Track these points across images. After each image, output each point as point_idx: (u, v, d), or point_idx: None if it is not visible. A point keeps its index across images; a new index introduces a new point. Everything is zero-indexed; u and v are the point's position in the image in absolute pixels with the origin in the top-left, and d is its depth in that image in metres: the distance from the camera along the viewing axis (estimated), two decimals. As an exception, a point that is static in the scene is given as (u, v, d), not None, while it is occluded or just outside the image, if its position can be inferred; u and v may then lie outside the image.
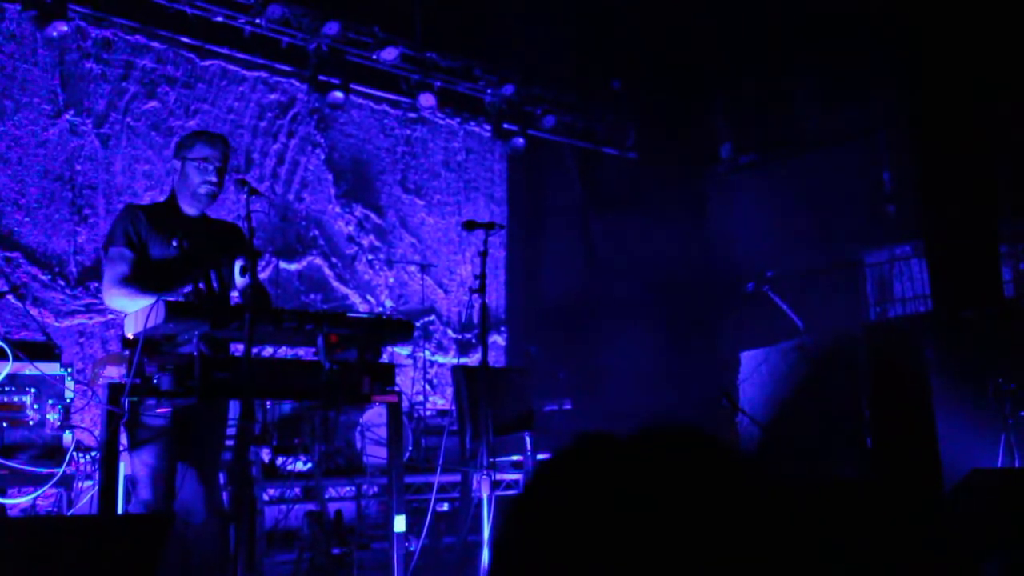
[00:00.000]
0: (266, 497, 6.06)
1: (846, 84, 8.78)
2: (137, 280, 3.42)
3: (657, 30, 9.23)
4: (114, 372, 3.16)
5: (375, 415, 6.51)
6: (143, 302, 3.14)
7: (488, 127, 9.45)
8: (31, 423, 3.49)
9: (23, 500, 3.46)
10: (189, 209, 3.71)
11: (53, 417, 3.57)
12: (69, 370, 3.66)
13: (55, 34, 6.83)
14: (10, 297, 6.23)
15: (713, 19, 9.20)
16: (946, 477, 5.20)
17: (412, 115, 9.18)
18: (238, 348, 3.42)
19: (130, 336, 3.18)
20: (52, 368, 3.58)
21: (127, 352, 3.14)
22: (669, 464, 0.81)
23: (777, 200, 9.15)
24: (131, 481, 3.37)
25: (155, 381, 3.09)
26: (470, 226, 4.22)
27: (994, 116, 7.55)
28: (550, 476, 0.83)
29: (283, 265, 8.07)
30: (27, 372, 3.48)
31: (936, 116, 8.07)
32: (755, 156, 10.03)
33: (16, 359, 3.31)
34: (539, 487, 0.83)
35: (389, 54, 8.38)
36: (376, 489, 6.97)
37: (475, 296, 4.04)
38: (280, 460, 6.35)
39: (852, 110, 8.72)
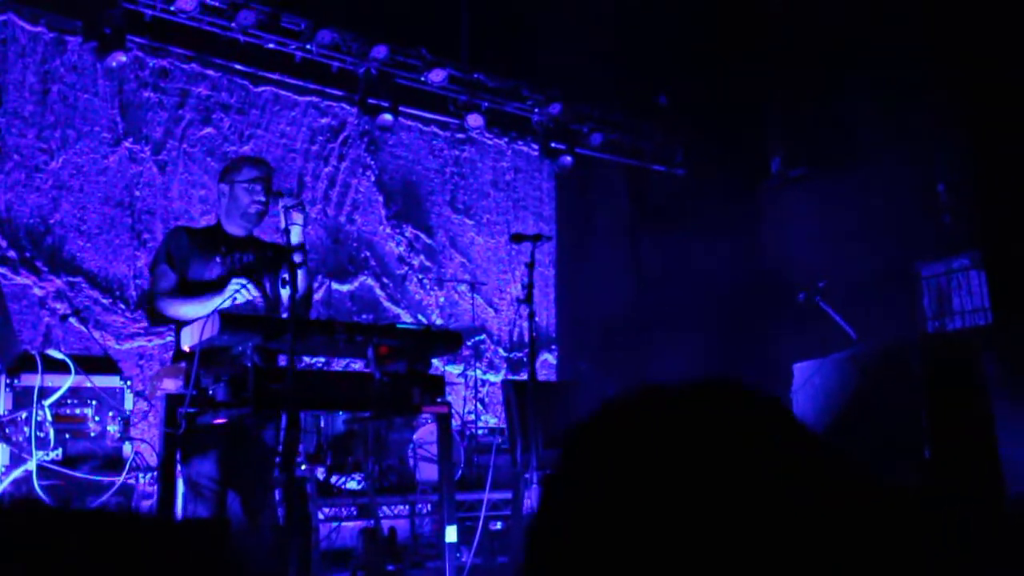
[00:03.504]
0: (321, 516, 6.12)
1: (898, 94, 8.68)
2: (179, 291, 3.56)
3: (703, 45, 9.23)
4: (171, 384, 3.24)
5: (427, 433, 6.55)
6: (187, 307, 3.27)
7: (536, 146, 9.51)
8: (92, 435, 3.60)
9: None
10: (236, 230, 3.82)
11: (113, 429, 3.67)
12: (128, 383, 3.76)
13: (114, 64, 7.05)
14: (73, 320, 6.41)
15: (760, 32, 9.17)
16: (1008, 489, 5.08)
17: (460, 136, 9.28)
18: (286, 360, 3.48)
19: (186, 348, 3.26)
20: (112, 381, 3.69)
21: (183, 364, 3.22)
22: (727, 421, 0.79)
23: (829, 213, 9.05)
24: (190, 489, 3.44)
25: (211, 392, 3.16)
26: (517, 239, 4.26)
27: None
28: (596, 429, 0.82)
29: (335, 286, 8.18)
30: (88, 385, 3.59)
31: (991, 125, 7.95)
32: (806, 169, 9.94)
33: (78, 372, 3.41)
34: (586, 436, 0.82)
35: (437, 76, 8.49)
36: (429, 508, 6.99)
37: (523, 306, 4.06)
38: (334, 478, 6.41)
39: (905, 120, 8.61)
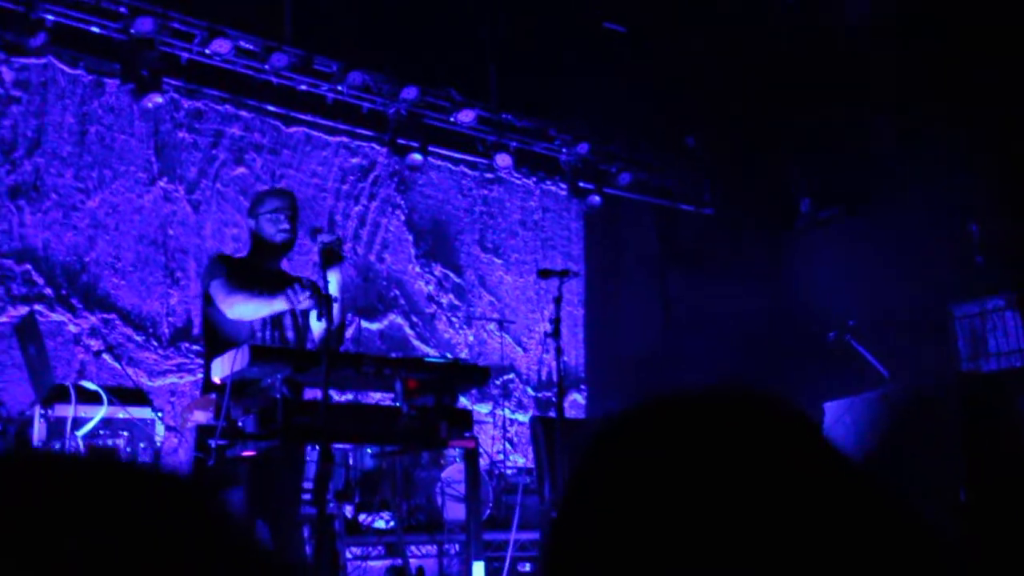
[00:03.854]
0: (349, 554, 6.09)
1: (929, 133, 8.65)
2: (243, 288, 3.62)
3: (731, 85, 9.27)
4: (201, 416, 3.27)
5: (455, 472, 6.52)
6: (247, 304, 3.35)
7: (564, 186, 9.56)
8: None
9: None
10: (268, 263, 3.87)
11: (145, 460, 3.70)
12: (160, 415, 3.79)
13: (150, 106, 7.19)
14: (106, 356, 6.49)
15: (788, 71, 9.20)
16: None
17: (489, 175, 9.35)
18: (314, 393, 3.50)
19: (216, 380, 3.28)
20: (144, 413, 3.72)
21: (213, 396, 3.24)
22: (749, 429, 0.78)
23: (859, 253, 8.99)
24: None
25: (240, 424, 3.17)
26: (545, 274, 4.27)
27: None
28: (618, 431, 0.81)
29: (365, 324, 8.22)
30: (120, 416, 3.63)
31: (1024, 163, 7.88)
32: (836, 210, 9.90)
33: (111, 403, 3.45)
34: (608, 438, 0.81)
35: (466, 116, 8.58)
36: (458, 547, 6.94)
37: (551, 341, 4.06)
38: (362, 516, 6.40)
39: (936, 160, 8.57)
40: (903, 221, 8.76)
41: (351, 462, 6.38)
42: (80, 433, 3.47)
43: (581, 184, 9.41)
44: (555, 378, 4.30)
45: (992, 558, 4.69)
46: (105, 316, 6.97)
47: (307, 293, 3.52)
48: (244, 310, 3.57)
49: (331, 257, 3.49)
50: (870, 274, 8.62)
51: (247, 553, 0.68)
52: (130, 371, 6.64)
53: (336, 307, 3.48)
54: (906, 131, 8.93)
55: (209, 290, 3.68)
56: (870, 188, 9.31)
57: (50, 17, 6.71)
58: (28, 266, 6.71)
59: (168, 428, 3.87)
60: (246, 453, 3.36)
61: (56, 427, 3.44)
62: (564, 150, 9.32)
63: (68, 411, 3.48)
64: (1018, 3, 7.57)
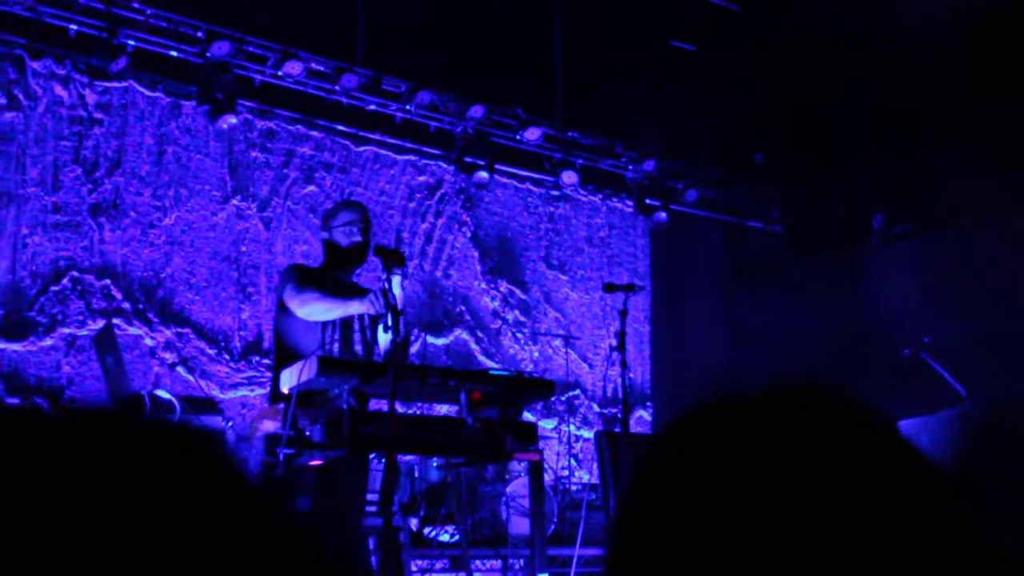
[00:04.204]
0: (413, 567, 6.12)
1: (1005, 146, 8.42)
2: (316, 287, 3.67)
3: (800, 101, 9.16)
4: (270, 425, 3.33)
5: (520, 486, 6.52)
6: (323, 303, 3.40)
7: (630, 203, 9.53)
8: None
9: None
10: (341, 274, 3.94)
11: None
12: (230, 423, 3.88)
13: (225, 127, 7.39)
14: (180, 369, 6.66)
15: (858, 87, 9.05)
16: None
17: (555, 193, 9.37)
18: (379, 404, 3.54)
19: (285, 390, 3.35)
20: (214, 421, 3.80)
21: (282, 406, 3.31)
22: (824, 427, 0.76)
23: (933, 270, 8.78)
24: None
25: (307, 433, 3.23)
26: (610, 288, 4.27)
27: None
28: (681, 434, 0.80)
29: (430, 340, 8.29)
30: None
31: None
32: (909, 226, 9.69)
33: (183, 412, 3.54)
34: (671, 442, 0.80)
35: (532, 134, 8.63)
36: (522, 562, 6.93)
37: (616, 354, 4.05)
38: (427, 530, 6.43)
39: (1013, 174, 8.33)
40: (979, 237, 8.53)
41: (416, 475, 6.43)
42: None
43: (647, 201, 9.37)
44: (620, 392, 4.28)
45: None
46: (179, 330, 7.16)
47: (382, 300, 3.56)
48: (316, 308, 3.62)
49: (391, 258, 3.52)
50: (945, 292, 8.40)
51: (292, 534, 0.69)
52: (202, 383, 6.81)
53: (401, 320, 3.52)
54: (983, 144, 8.71)
55: (283, 295, 3.74)
56: (945, 204, 9.09)
57: (131, 42, 6.96)
58: (107, 281, 6.94)
59: (238, 437, 3.94)
60: (313, 462, 3.41)
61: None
62: (630, 167, 9.30)
63: (143, 418, 3.58)
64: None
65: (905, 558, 0.70)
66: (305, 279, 3.78)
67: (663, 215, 9.37)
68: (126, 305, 6.97)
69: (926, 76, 8.60)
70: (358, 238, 3.88)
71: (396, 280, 3.60)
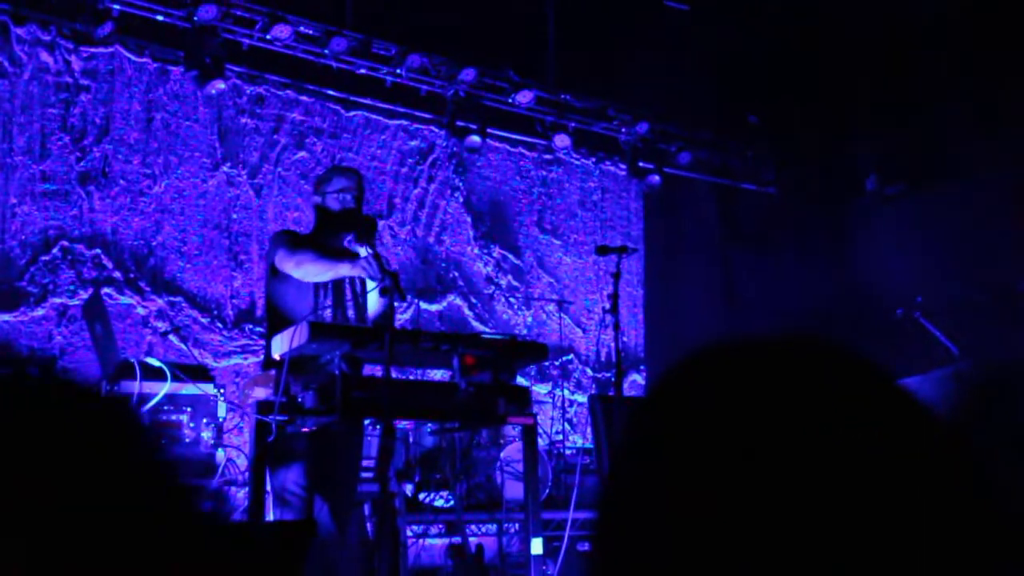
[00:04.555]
0: (409, 532, 6.15)
1: (999, 106, 8.38)
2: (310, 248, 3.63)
3: (794, 61, 9.08)
4: (261, 392, 3.32)
5: (514, 451, 6.53)
6: (314, 264, 3.36)
7: (623, 166, 9.48)
8: (187, 440, 3.71)
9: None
10: (332, 240, 3.90)
11: (207, 435, 3.78)
12: (222, 391, 3.87)
13: (214, 92, 7.31)
14: (173, 337, 6.63)
15: (853, 46, 8.98)
16: None
17: (548, 156, 9.32)
18: (372, 370, 3.53)
19: (276, 357, 3.33)
20: (206, 389, 3.79)
21: (274, 372, 3.29)
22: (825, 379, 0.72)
23: (927, 231, 8.77)
24: (276, 497, 3.51)
25: (299, 400, 3.22)
26: (603, 251, 4.24)
27: None
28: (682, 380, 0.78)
29: (424, 306, 8.27)
30: (183, 392, 3.71)
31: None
32: (903, 186, 9.66)
33: (175, 379, 3.52)
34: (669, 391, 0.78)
35: (524, 97, 8.56)
36: (517, 526, 6.96)
37: (609, 317, 4.04)
38: (422, 495, 6.46)
39: (1007, 134, 8.30)
40: (973, 197, 8.51)
41: (411, 440, 6.44)
42: (145, 409, 3.56)
43: (641, 164, 9.32)
44: (614, 356, 4.28)
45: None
46: (171, 299, 7.13)
47: (376, 265, 3.52)
48: (311, 269, 3.58)
49: (363, 232, 3.48)
50: (939, 251, 8.40)
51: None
52: (195, 352, 6.79)
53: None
54: (977, 104, 8.66)
55: (275, 260, 3.71)
56: (939, 164, 9.06)
57: (116, 7, 6.86)
58: (98, 250, 6.89)
59: (230, 404, 3.94)
60: (306, 429, 3.40)
61: (122, 401, 3.53)
62: (623, 130, 9.24)
63: (134, 387, 3.57)
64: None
65: (907, 511, 0.68)
66: (297, 241, 3.75)
67: (656, 178, 9.32)
68: (117, 274, 6.93)
69: (919, 37, 8.54)
70: (351, 205, 3.83)
71: (363, 251, 3.55)
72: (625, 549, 0.73)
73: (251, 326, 7.42)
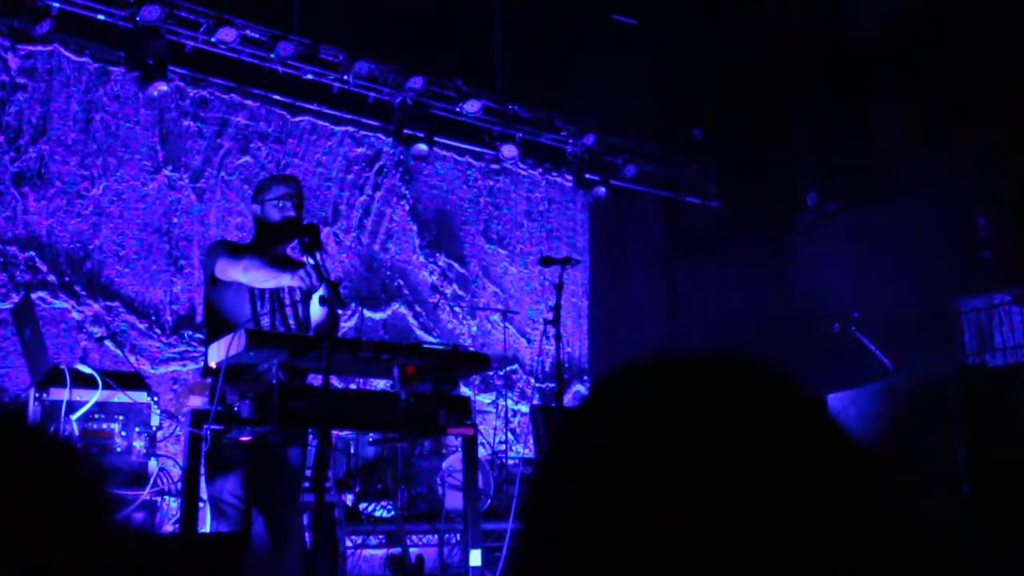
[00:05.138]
0: (348, 543, 6.09)
1: (938, 128, 8.60)
2: (248, 256, 3.58)
3: (739, 78, 9.23)
4: (197, 401, 3.26)
5: (456, 461, 6.51)
6: (258, 270, 3.31)
7: (570, 177, 9.53)
8: (119, 450, 3.63)
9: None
10: (273, 249, 3.85)
11: (139, 444, 3.70)
12: (156, 399, 3.79)
13: (156, 94, 7.19)
14: (108, 343, 6.49)
15: (797, 65, 9.15)
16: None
17: (495, 166, 9.33)
18: (316, 379, 3.48)
19: (213, 365, 3.27)
20: (139, 397, 3.71)
21: (210, 381, 3.23)
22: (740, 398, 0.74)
23: (866, 247, 8.96)
24: (214, 507, 3.44)
25: (236, 409, 3.16)
26: (547, 262, 4.25)
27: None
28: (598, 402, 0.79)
29: (368, 314, 8.21)
30: (116, 400, 3.62)
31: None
32: (842, 203, 9.86)
33: (106, 387, 3.44)
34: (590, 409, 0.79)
35: (472, 107, 8.56)
36: (458, 537, 6.94)
37: (551, 328, 4.04)
38: (363, 505, 6.40)
39: (944, 154, 8.52)
40: (910, 215, 8.72)
41: (352, 450, 6.38)
42: (75, 417, 3.47)
43: (587, 175, 9.37)
44: (557, 366, 4.28)
45: (994, 553, 4.65)
46: (108, 303, 6.99)
47: (315, 275, 3.49)
48: (256, 274, 3.53)
49: (309, 242, 3.44)
50: (876, 267, 8.58)
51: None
52: (132, 358, 6.66)
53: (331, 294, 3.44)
54: (914, 125, 8.88)
55: (215, 268, 3.64)
56: (877, 182, 9.26)
57: (56, 4, 6.72)
58: (32, 253, 6.72)
59: (165, 413, 3.86)
60: (243, 438, 3.35)
61: (51, 410, 3.44)
62: (570, 141, 9.29)
63: (63, 394, 3.48)
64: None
65: (819, 527, 0.69)
66: (239, 249, 3.69)
67: (602, 190, 9.39)
68: (52, 277, 6.77)
69: (860, 57, 8.73)
70: (291, 213, 3.78)
71: (309, 260, 3.51)
72: (545, 557, 0.73)
73: (190, 332, 7.29)
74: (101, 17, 6.95)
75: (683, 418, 0.72)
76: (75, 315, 6.82)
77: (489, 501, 6.69)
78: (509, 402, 8.37)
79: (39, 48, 6.94)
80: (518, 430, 8.76)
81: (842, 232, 9.43)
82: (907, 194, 8.86)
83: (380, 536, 6.26)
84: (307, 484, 4.36)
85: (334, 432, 5.54)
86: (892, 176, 9.11)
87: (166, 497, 4.56)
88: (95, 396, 3.46)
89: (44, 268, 6.75)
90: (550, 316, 4.44)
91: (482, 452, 7.15)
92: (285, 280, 3.53)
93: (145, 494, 3.48)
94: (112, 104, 7.27)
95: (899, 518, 0.74)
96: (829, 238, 9.49)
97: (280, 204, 3.77)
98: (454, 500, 6.42)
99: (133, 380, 3.79)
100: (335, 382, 5.42)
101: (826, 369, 6.68)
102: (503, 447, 7.63)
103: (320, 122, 8.33)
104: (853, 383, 5.44)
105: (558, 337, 4.02)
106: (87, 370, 3.50)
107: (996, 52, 7.78)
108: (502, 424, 7.98)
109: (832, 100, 9.23)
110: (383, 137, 8.64)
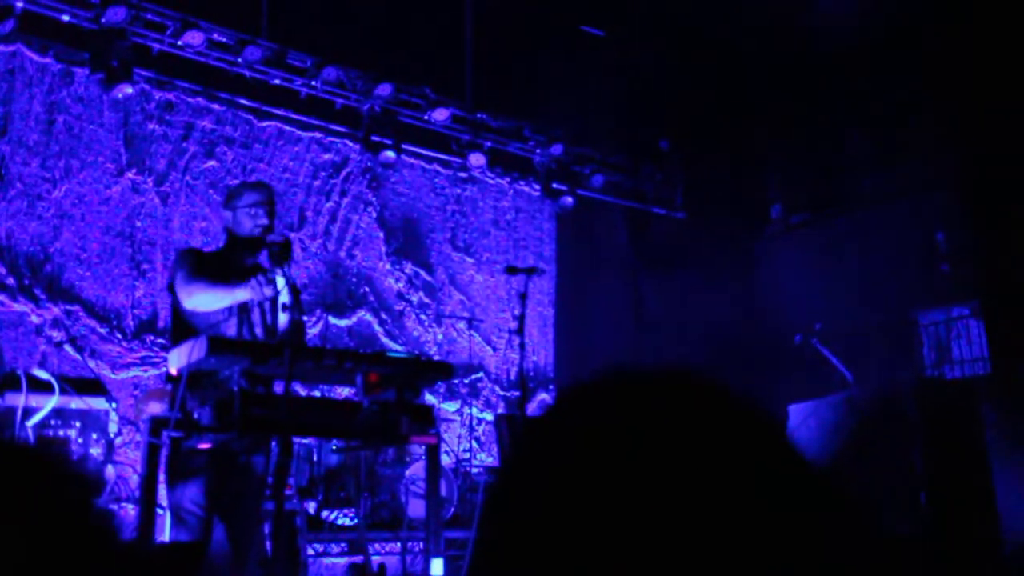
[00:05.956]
0: (310, 551, 6.05)
1: (899, 143, 8.74)
2: (205, 277, 3.57)
3: (706, 90, 9.31)
4: (156, 407, 3.23)
5: (420, 468, 6.49)
6: (210, 293, 3.30)
7: (537, 186, 9.55)
8: (75, 457, 3.57)
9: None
10: (244, 257, 3.83)
11: (96, 451, 3.65)
12: (114, 405, 3.74)
13: (120, 96, 7.10)
14: (68, 348, 6.41)
15: (763, 79, 9.25)
16: (1004, 542, 5.01)
17: (462, 175, 9.33)
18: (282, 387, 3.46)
19: (174, 372, 3.25)
20: (98, 403, 3.66)
21: (170, 387, 3.21)
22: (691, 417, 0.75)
23: (828, 260, 9.07)
24: (174, 515, 3.41)
25: (196, 416, 3.14)
26: (512, 271, 4.26)
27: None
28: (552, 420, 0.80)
29: (333, 321, 8.18)
30: (73, 406, 3.57)
31: (991, 174, 7.98)
32: (806, 216, 9.98)
33: (63, 392, 3.39)
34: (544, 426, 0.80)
35: (440, 115, 8.56)
36: (421, 545, 6.91)
37: (516, 337, 4.05)
38: (325, 513, 6.36)
39: (905, 170, 8.66)
40: (872, 228, 8.84)
41: (315, 458, 6.35)
42: (31, 423, 3.42)
43: (554, 185, 9.41)
44: (520, 376, 4.29)
45: (950, 561, 4.72)
46: (68, 307, 6.89)
47: (272, 286, 3.48)
48: (203, 299, 3.52)
49: (278, 255, 3.44)
50: (838, 280, 8.69)
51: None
52: (92, 363, 6.57)
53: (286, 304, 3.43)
54: (876, 141, 9.02)
55: (175, 282, 3.63)
56: (841, 195, 9.39)
57: (19, 4, 6.62)
58: (-9, 255, 6.62)
59: (124, 420, 3.82)
60: (202, 446, 3.32)
61: (5, 417, 3.39)
62: (538, 151, 9.32)
63: (19, 400, 3.42)
64: (987, 22, 7.66)
65: (763, 551, 0.70)
66: (196, 268, 3.64)
67: (569, 199, 9.42)
68: (10, 280, 6.66)
69: (825, 71, 8.85)
70: (264, 220, 3.75)
71: (280, 281, 3.50)
72: (501, 566, 0.75)
73: (152, 337, 7.21)
74: (66, 18, 6.87)
75: (638, 437, 0.73)
76: (34, 319, 6.72)
77: (452, 509, 6.67)
78: (474, 410, 8.37)
79: (1, 48, 6.85)
80: (483, 438, 8.75)
81: (806, 244, 9.55)
82: (870, 207, 8.99)
83: (342, 544, 6.22)
84: (269, 492, 4.33)
85: (297, 440, 5.51)
86: (856, 189, 9.25)
87: (125, 504, 4.50)
88: (51, 402, 3.42)
89: (3, 271, 6.65)
90: (514, 325, 4.45)
91: (446, 460, 7.13)
92: (241, 295, 3.52)
93: (100, 501, 3.43)
94: (75, 106, 7.19)
95: (848, 538, 0.76)
96: (793, 250, 9.60)
97: (252, 212, 3.75)
98: (417, 508, 6.40)
99: (93, 386, 3.74)
100: (299, 389, 5.39)
101: (788, 380, 6.75)
102: (467, 455, 7.62)
103: (287, 127, 8.29)
104: (814, 394, 5.51)
105: (522, 347, 4.03)
106: (44, 375, 3.46)
107: (958, 69, 7.92)
108: (467, 432, 7.97)
109: (797, 113, 9.35)
110: (350, 143, 8.61)
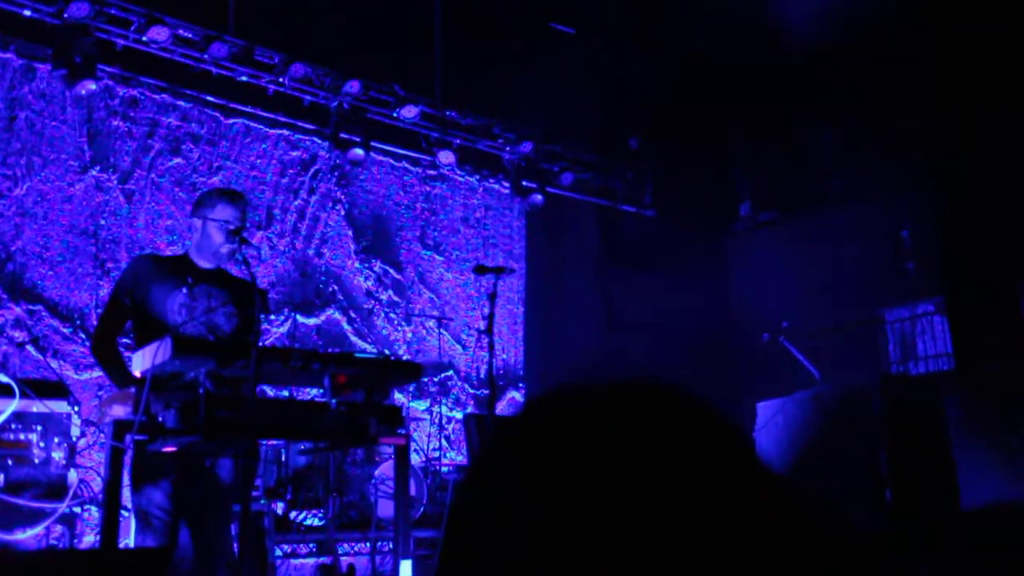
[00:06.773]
0: (278, 552, 6.01)
1: (866, 143, 8.83)
2: (103, 344, 3.68)
3: (675, 88, 9.35)
4: (120, 411, 3.18)
5: (389, 468, 6.47)
6: (101, 366, 3.52)
7: (507, 184, 9.54)
8: (36, 461, 3.51)
9: (29, 534, 3.45)
10: (205, 263, 3.77)
11: (58, 456, 3.59)
12: (76, 408, 3.69)
13: (84, 92, 6.99)
14: (30, 348, 6.31)
15: (732, 77, 9.30)
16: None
17: (432, 172, 9.30)
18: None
19: (137, 374, 3.20)
20: (60, 406, 3.61)
21: (133, 390, 3.16)
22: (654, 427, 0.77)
23: (796, 257, 9.15)
24: (140, 519, 3.37)
25: (160, 419, 3.10)
26: (481, 270, 4.25)
27: (1015, 173, 7.55)
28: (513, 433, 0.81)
29: (301, 319, 8.12)
30: (34, 410, 3.51)
31: (955, 173, 8.08)
32: (775, 214, 10.06)
33: (23, 395, 3.34)
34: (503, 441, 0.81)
35: (409, 112, 8.52)
36: (391, 546, 6.89)
37: (484, 337, 4.04)
38: (293, 514, 6.32)
39: (872, 169, 8.74)
40: (837, 226, 8.93)
41: (283, 459, 6.30)
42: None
43: (524, 183, 9.40)
44: (490, 376, 4.28)
45: (914, 557, 4.78)
46: (31, 307, 6.79)
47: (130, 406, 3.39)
48: (96, 357, 3.66)
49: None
50: (805, 277, 8.77)
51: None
52: (55, 364, 6.48)
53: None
54: (844, 139, 9.10)
55: (107, 302, 3.66)
56: (809, 193, 9.47)
57: (-22, -2, 6.51)
58: (-50, 254, 6.50)
59: (86, 422, 3.76)
60: (167, 449, 3.27)
61: (-35, 420, 3.33)
62: (507, 148, 9.31)
63: (-22, 404, 3.37)
64: (956, 23, 7.75)
65: (727, 550, 0.71)
66: (106, 318, 3.69)
67: (539, 197, 9.42)
68: (-29, 280, 6.55)
69: (794, 69, 8.91)
70: (233, 247, 3.68)
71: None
72: (466, 565, 0.76)
73: (118, 338, 7.11)
74: (27, 13, 6.76)
75: (605, 440, 0.74)
76: (-5, 319, 6.61)
77: (422, 509, 6.65)
78: (444, 409, 8.35)
79: (-40, 43, 6.73)
80: (452, 437, 8.74)
81: (775, 242, 9.62)
82: (837, 205, 9.08)
83: (311, 545, 6.18)
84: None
85: (265, 441, 5.46)
86: (824, 187, 9.33)
87: (89, 507, 4.44)
88: (11, 406, 3.36)
89: (-37, 270, 6.53)
90: (483, 324, 4.44)
91: (416, 459, 7.11)
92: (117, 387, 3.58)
93: (63, 507, 3.38)
94: (38, 102, 7.08)
95: (808, 541, 0.77)
96: (762, 247, 9.67)
97: (223, 227, 3.68)
98: (386, 508, 6.37)
99: (55, 388, 3.68)
100: (266, 391, 5.34)
101: (757, 378, 6.80)
102: (437, 454, 7.60)
103: (254, 124, 8.22)
104: (782, 392, 5.55)
105: (491, 346, 4.02)
106: (3, 379, 3.40)
107: (926, 70, 8.01)
108: (436, 431, 7.95)
109: (767, 111, 9.41)
110: (319, 141, 8.55)
